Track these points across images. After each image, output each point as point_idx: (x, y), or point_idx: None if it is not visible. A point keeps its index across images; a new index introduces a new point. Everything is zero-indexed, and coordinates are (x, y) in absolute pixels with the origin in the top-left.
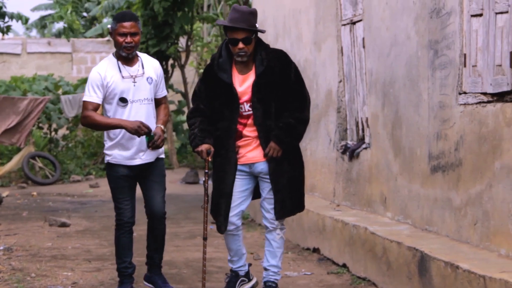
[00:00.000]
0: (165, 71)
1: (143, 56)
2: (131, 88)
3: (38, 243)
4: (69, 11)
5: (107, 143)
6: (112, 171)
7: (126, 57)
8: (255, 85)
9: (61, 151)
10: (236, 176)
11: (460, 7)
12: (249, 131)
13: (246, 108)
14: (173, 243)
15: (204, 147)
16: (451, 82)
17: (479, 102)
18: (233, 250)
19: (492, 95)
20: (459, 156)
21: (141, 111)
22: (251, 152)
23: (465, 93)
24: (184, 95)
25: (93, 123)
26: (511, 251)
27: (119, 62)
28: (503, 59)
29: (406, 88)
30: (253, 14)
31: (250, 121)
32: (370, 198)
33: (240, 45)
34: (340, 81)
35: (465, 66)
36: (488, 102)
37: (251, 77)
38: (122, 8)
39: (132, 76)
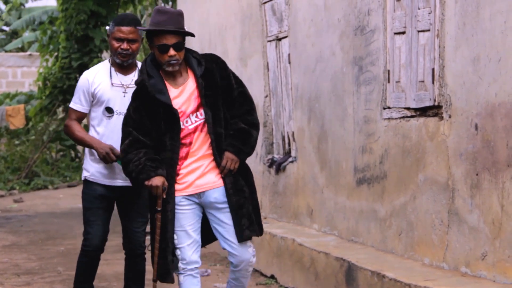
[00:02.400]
0: None
1: None
2: (119, 98)
3: None
4: None
5: (87, 157)
6: (89, 189)
7: (121, 65)
8: (200, 87)
9: None
10: (185, 208)
11: (383, 25)
12: (196, 154)
13: (193, 119)
14: (102, 257)
15: (159, 181)
16: (376, 97)
17: (403, 117)
18: None
19: (415, 110)
20: (384, 169)
21: None
22: (200, 179)
23: (389, 108)
24: None
25: (70, 135)
26: (434, 260)
27: (113, 68)
28: (426, 75)
29: (331, 103)
30: (182, 15)
31: (196, 141)
32: (297, 210)
33: (171, 51)
34: (266, 96)
35: (389, 82)
36: (412, 116)
37: (190, 83)
38: (45, 23)
39: (123, 85)
